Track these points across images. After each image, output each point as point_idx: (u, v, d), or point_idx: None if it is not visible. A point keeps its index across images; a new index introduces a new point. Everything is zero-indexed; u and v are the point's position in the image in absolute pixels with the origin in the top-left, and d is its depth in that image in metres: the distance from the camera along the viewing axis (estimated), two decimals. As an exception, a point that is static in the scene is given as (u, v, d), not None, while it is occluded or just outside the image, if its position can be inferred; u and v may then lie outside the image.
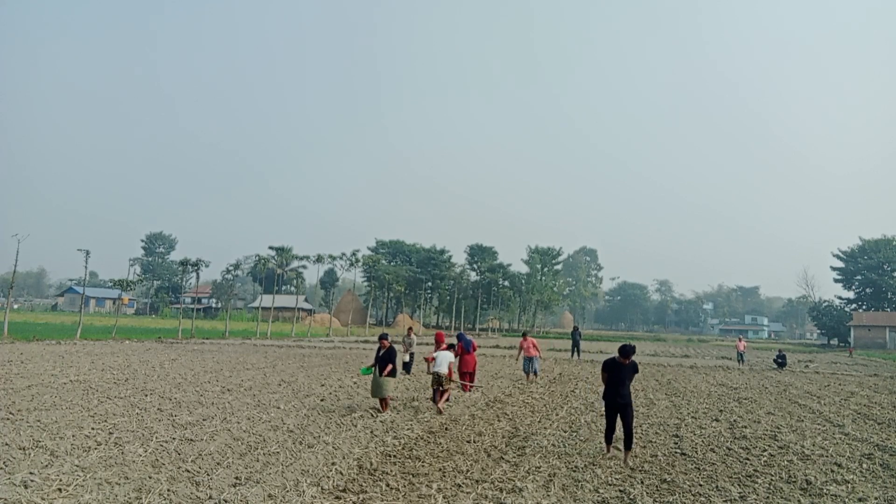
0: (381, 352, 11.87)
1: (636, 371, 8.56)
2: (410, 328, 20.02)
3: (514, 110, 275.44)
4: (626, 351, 8.28)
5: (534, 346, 18.79)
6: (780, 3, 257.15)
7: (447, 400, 12.61)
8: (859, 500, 6.84)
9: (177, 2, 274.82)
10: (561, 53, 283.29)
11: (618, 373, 8.36)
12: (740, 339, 35.69)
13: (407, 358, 18.32)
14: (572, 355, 30.97)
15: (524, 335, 19.39)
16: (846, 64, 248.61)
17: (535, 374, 18.69)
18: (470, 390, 14.83)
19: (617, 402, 8.37)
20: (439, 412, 11.77)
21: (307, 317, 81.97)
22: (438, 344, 13.55)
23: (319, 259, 56.12)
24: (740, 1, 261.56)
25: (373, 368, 11.93)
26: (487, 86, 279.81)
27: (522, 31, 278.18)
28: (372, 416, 11.11)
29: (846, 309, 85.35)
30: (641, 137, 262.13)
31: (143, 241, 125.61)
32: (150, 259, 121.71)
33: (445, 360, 12.21)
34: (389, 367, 11.63)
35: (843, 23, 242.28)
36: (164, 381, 15.30)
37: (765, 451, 9.30)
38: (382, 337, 12.07)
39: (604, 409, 8.77)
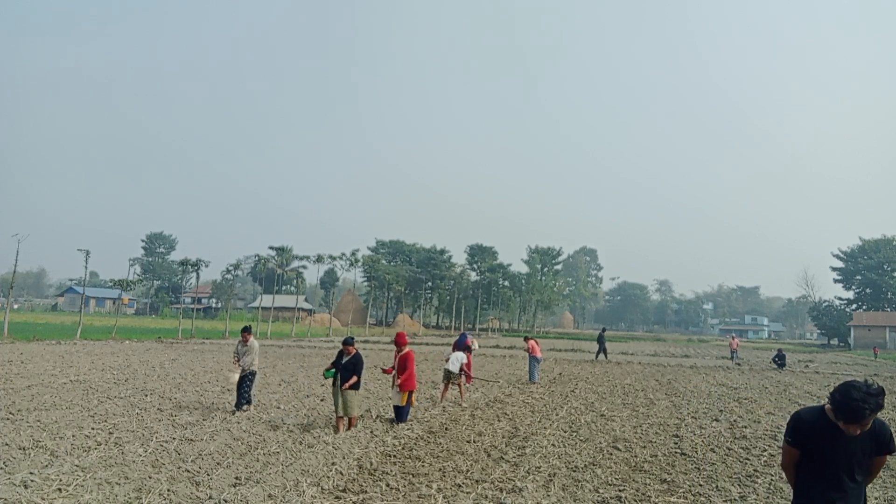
0: (345, 359, 9.93)
1: (889, 449, 3.61)
2: (247, 328, 11.72)
3: (515, 112, 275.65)
4: (853, 411, 3.35)
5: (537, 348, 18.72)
6: (777, 4, 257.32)
7: (461, 396, 13.51)
8: (859, 500, 6.83)
9: (178, 1, 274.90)
10: (561, 56, 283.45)
11: (832, 448, 3.54)
12: (734, 338, 37.50)
13: (235, 378, 11.59)
14: (598, 356, 30.91)
15: (528, 338, 19.31)
16: (844, 65, 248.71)
17: (533, 380, 18.33)
18: (470, 381, 14.93)
19: None
20: (458, 402, 13.10)
21: (307, 317, 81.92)
22: (399, 347, 10.91)
23: (319, 259, 56.13)
24: (737, 3, 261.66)
25: (334, 373, 9.95)
26: (488, 86, 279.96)
27: (523, 32, 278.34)
28: (372, 417, 11.10)
29: (846, 309, 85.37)
30: (642, 141, 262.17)
31: (143, 241, 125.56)
32: (150, 259, 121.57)
33: (457, 361, 13.43)
34: (353, 378, 9.69)
35: (841, 25, 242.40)
36: (164, 381, 15.30)
37: (765, 451, 9.30)
38: (347, 342, 10.05)
39: None
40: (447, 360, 13.56)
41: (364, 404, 12.24)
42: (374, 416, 10.98)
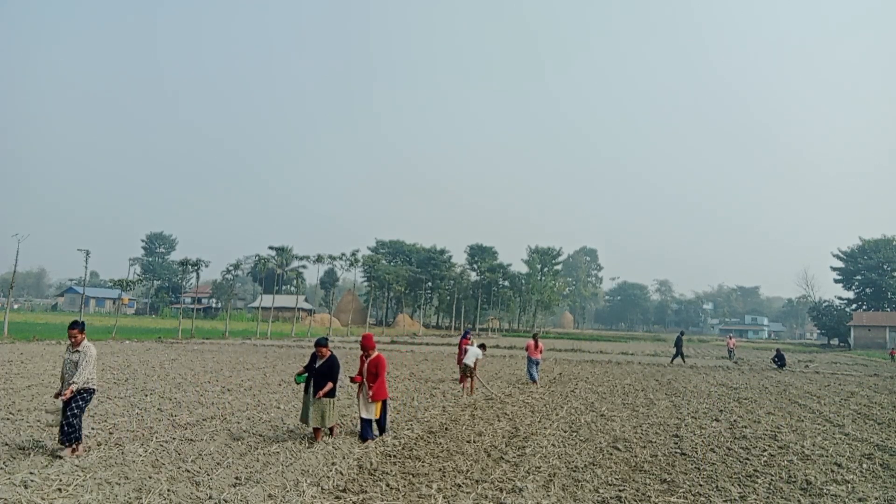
0: (319, 362, 8.77)
1: None
2: (77, 324, 7.68)
3: (515, 110, 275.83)
4: None
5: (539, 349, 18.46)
6: (778, 4, 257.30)
7: (471, 390, 15.09)
8: (859, 500, 6.83)
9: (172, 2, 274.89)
10: (562, 54, 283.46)
11: None
12: (731, 337, 38.26)
13: (56, 406, 9.03)
14: (675, 359, 30.21)
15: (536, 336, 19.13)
16: (845, 64, 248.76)
17: (534, 380, 18.20)
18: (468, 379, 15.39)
19: None
20: (469, 393, 14.84)
21: (307, 317, 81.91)
22: (367, 351, 9.33)
23: (319, 259, 56.13)
24: (738, 2, 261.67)
25: (306, 378, 8.86)
26: (488, 85, 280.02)
27: (523, 30, 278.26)
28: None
29: (846, 309, 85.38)
30: (642, 138, 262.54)
31: (143, 241, 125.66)
32: (150, 259, 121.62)
33: (472, 355, 15.13)
34: (329, 385, 8.64)
35: (841, 23, 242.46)
36: (164, 381, 15.30)
37: (765, 451, 9.30)
38: (320, 343, 8.82)
39: None
40: (465, 355, 15.35)
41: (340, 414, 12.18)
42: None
